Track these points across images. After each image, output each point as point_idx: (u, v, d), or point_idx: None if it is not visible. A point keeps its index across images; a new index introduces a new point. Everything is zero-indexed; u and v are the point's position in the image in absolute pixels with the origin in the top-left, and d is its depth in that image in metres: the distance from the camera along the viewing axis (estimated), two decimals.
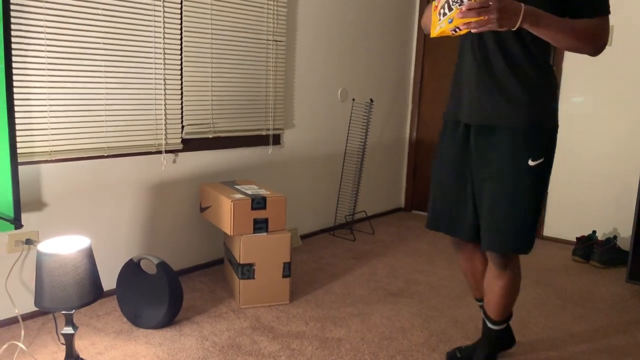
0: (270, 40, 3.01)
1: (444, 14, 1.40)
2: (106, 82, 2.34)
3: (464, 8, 1.35)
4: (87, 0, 2.23)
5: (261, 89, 3.02)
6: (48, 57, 2.14)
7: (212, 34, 2.71)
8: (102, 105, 2.34)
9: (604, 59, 3.40)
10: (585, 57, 3.45)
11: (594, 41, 1.48)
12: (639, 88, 3.29)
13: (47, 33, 2.12)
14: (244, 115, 2.95)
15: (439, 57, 4.15)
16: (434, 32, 1.46)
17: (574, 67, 3.51)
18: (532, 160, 1.58)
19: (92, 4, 2.24)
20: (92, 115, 2.31)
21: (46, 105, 2.15)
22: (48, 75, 2.15)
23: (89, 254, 1.69)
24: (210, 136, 2.79)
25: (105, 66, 2.32)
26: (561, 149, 3.59)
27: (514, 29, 1.41)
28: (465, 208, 1.73)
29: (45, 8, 2.10)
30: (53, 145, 2.20)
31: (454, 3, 1.38)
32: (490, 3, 1.35)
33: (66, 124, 2.23)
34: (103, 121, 2.35)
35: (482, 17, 1.35)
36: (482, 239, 1.68)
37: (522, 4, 1.39)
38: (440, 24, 1.42)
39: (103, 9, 2.28)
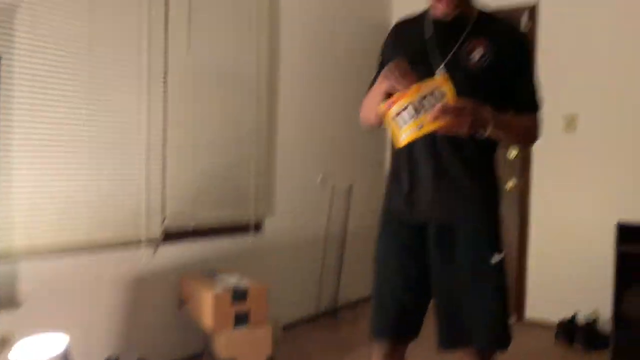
0: (252, 129, 3.10)
1: (409, 119, 1.33)
2: (87, 176, 2.36)
3: (436, 110, 1.30)
4: (71, 97, 2.30)
5: (243, 177, 3.07)
6: (32, 152, 2.17)
7: (195, 123, 2.79)
8: (83, 199, 2.35)
9: (570, 142, 3.56)
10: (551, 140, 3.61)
11: (537, 134, 1.57)
12: (602, 171, 3.43)
13: (27, 126, 2.16)
14: (226, 204, 2.98)
15: None
16: (402, 142, 1.38)
17: (542, 147, 3.66)
18: (497, 255, 1.57)
19: (75, 100, 2.31)
20: (73, 210, 2.32)
21: (27, 199, 2.16)
22: (32, 169, 2.17)
23: (65, 357, 1.64)
24: (192, 227, 2.80)
25: (87, 158, 2.36)
26: (539, 226, 3.67)
27: (487, 130, 1.40)
28: (419, 309, 1.64)
29: (28, 103, 2.16)
30: (32, 241, 2.18)
31: (421, 109, 1.33)
32: (466, 106, 1.34)
33: (47, 218, 2.22)
34: (84, 216, 2.35)
35: (457, 121, 1.32)
36: (452, 340, 1.59)
37: (489, 107, 1.40)
38: (407, 132, 1.35)
39: (87, 105, 2.35)
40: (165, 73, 2.65)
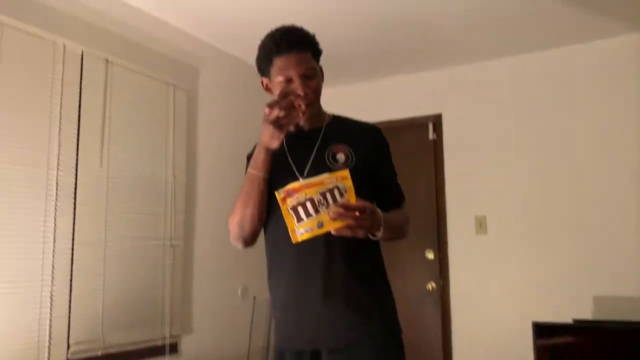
0: (167, 244, 3.00)
1: (309, 215, 1.26)
2: None
3: (338, 208, 1.24)
4: None
5: (157, 295, 2.91)
6: None
7: (106, 240, 2.66)
8: None
9: (482, 243, 3.71)
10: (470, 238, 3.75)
11: (408, 226, 1.60)
12: (514, 270, 3.58)
13: None
14: (138, 325, 2.79)
15: None
16: (299, 238, 1.28)
17: (458, 248, 3.78)
18: None
19: None
20: None
21: None
22: None
23: None
24: (100, 353, 2.58)
25: None
26: (461, 325, 3.70)
27: (378, 236, 1.36)
28: None
29: None
30: None
31: (321, 205, 1.25)
32: (367, 206, 1.29)
33: None
34: None
35: (358, 222, 1.26)
36: None
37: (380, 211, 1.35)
38: (307, 228, 1.26)
39: None
40: (76, 187, 2.55)
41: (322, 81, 1.55)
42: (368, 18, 3.14)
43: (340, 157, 1.49)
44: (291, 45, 1.46)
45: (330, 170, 1.39)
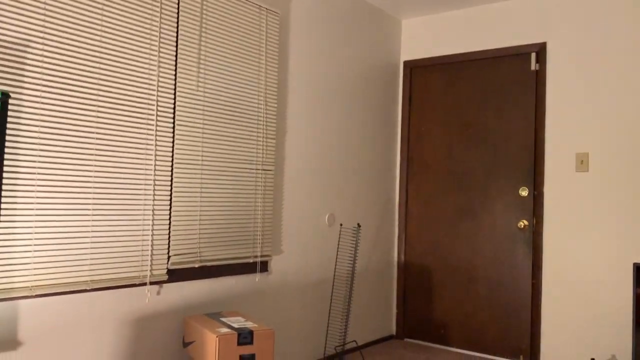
0: (259, 169, 3.08)
1: None
2: (93, 214, 2.34)
3: None
4: (78, 135, 2.29)
5: (250, 216, 3.03)
6: (37, 191, 2.15)
7: (202, 163, 2.78)
8: (89, 236, 2.32)
9: (582, 181, 3.50)
10: (563, 179, 3.55)
11: None
12: (616, 211, 3.36)
13: (38, 168, 2.15)
14: (232, 243, 2.94)
15: (422, 181, 4.26)
16: None
17: (554, 186, 3.60)
18: None
19: (83, 139, 2.31)
20: (77, 248, 2.28)
21: (31, 239, 2.13)
22: (36, 209, 2.14)
23: None
24: (197, 265, 2.75)
25: (93, 197, 2.34)
26: (552, 267, 3.58)
27: None
28: None
29: (38, 148, 2.16)
30: (34, 280, 2.14)
31: None
32: None
33: (50, 257, 2.19)
34: (88, 253, 2.32)
35: None
36: None
37: None
38: None
39: (95, 144, 2.34)
40: (174, 110, 2.65)
41: None
42: None
43: None
44: None
45: None
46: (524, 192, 3.72)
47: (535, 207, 3.67)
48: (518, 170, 3.75)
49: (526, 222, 3.70)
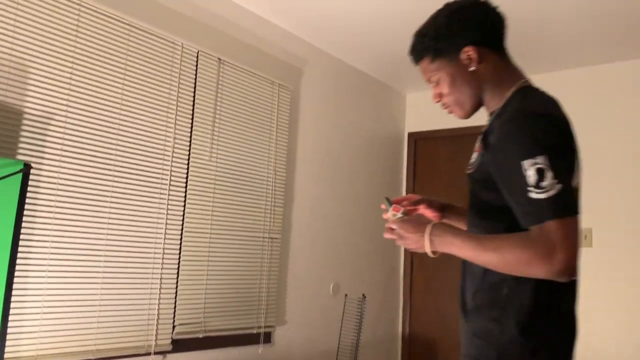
0: (266, 237, 3.11)
1: None
2: (103, 283, 2.35)
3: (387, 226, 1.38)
4: (93, 205, 2.35)
5: (255, 285, 3.04)
6: (49, 259, 2.18)
7: (211, 232, 2.81)
8: (96, 306, 2.32)
9: (587, 256, 3.51)
10: None
11: (532, 261, 1.09)
12: (622, 287, 3.35)
13: (52, 236, 2.19)
14: (236, 313, 2.93)
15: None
16: None
17: None
18: None
19: (98, 209, 2.36)
20: (85, 317, 2.28)
21: (40, 307, 2.14)
22: (47, 277, 2.16)
23: None
24: (201, 336, 2.73)
25: (104, 265, 2.36)
26: None
27: (430, 254, 1.27)
28: None
29: (53, 217, 2.20)
30: (40, 349, 2.13)
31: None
32: (394, 227, 1.32)
33: (57, 325, 2.19)
34: (95, 322, 2.31)
35: (400, 240, 1.32)
36: None
37: (429, 227, 1.26)
38: None
39: (109, 213, 2.39)
40: (187, 180, 2.72)
41: (471, 64, 1.32)
42: None
43: (473, 156, 1.35)
44: (411, 58, 1.44)
45: (467, 171, 1.37)
46: None
47: None
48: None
49: None
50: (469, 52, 1.31)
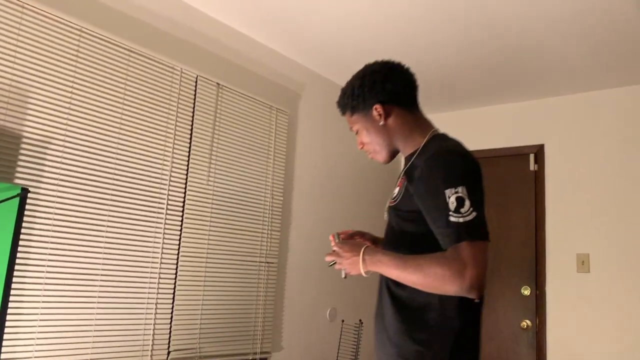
0: (262, 262, 3.10)
1: None
2: (98, 309, 2.33)
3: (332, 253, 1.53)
4: (89, 229, 2.34)
5: (251, 310, 3.01)
6: (45, 283, 2.16)
7: (207, 256, 2.80)
8: (92, 331, 2.30)
9: (584, 282, 3.50)
10: (568, 282, 3.56)
11: (446, 279, 1.25)
12: (618, 313, 3.34)
13: (47, 261, 2.18)
14: (232, 338, 2.89)
15: None
16: None
17: (557, 286, 3.59)
18: None
19: (95, 233, 2.35)
20: (80, 342, 2.25)
21: (34, 333, 2.11)
22: (42, 302, 2.14)
23: None
24: None
25: (99, 290, 2.34)
26: None
27: (363, 274, 1.44)
28: None
29: (50, 241, 2.19)
30: None
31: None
32: (340, 249, 1.49)
33: (52, 351, 2.16)
34: (90, 347, 2.28)
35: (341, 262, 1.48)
36: None
37: (363, 248, 1.44)
38: None
39: (106, 237, 2.38)
40: (184, 204, 2.71)
41: (381, 119, 1.53)
42: (472, 47, 3.12)
43: (395, 191, 1.55)
44: (339, 110, 1.65)
45: (389, 205, 1.56)
46: (526, 291, 3.71)
47: (538, 307, 3.65)
48: (520, 268, 3.76)
49: (529, 323, 3.66)
50: (377, 110, 1.53)
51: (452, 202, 1.29)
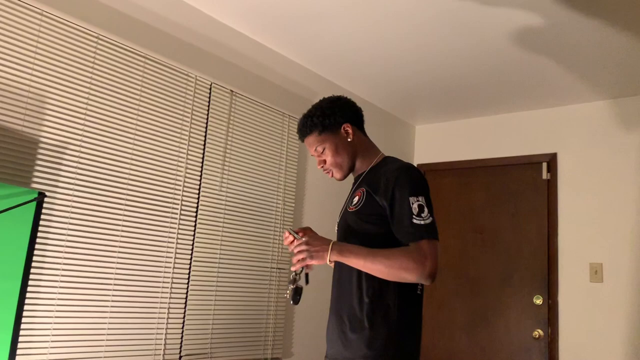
0: (274, 268, 3.11)
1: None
2: (111, 312, 2.36)
3: (291, 247, 1.70)
4: (104, 234, 2.37)
5: (262, 315, 3.02)
6: (59, 287, 2.19)
7: (219, 261, 2.82)
8: (104, 335, 2.32)
9: (597, 291, 3.47)
10: (578, 288, 3.53)
11: (409, 267, 1.54)
12: (632, 323, 3.31)
13: (63, 264, 2.21)
14: (243, 343, 2.91)
15: (435, 284, 4.23)
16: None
17: (569, 295, 3.57)
18: None
19: (109, 236, 2.38)
20: (93, 346, 2.28)
21: (49, 335, 2.14)
22: (56, 304, 2.17)
23: None
24: None
25: (112, 295, 2.37)
26: None
27: (329, 262, 1.65)
28: None
29: (65, 245, 2.22)
30: None
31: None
32: (310, 240, 1.64)
33: (66, 354, 2.19)
34: (103, 351, 2.31)
35: (298, 256, 1.64)
36: None
37: (331, 241, 1.65)
38: None
39: (120, 241, 2.41)
40: (197, 209, 2.74)
41: (348, 136, 1.81)
42: (484, 53, 3.13)
43: (355, 199, 1.76)
44: (299, 136, 1.89)
45: (347, 211, 1.78)
46: (538, 301, 3.68)
47: (550, 316, 3.62)
48: (532, 277, 3.74)
49: (541, 332, 3.64)
50: (347, 128, 1.80)
51: (415, 208, 1.59)
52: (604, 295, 3.45)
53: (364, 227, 1.70)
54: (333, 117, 1.80)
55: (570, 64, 3.16)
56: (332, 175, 1.84)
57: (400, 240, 1.61)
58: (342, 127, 1.80)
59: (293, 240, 1.72)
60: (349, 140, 1.80)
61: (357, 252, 1.62)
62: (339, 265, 1.76)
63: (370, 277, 1.65)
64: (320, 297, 3.49)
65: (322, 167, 1.84)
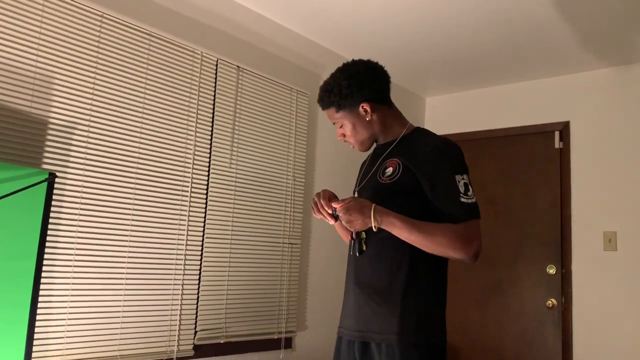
0: (286, 243, 3.13)
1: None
2: (126, 290, 2.39)
3: (314, 208, 1.72)
4: (116, 213, 2.38)
5: (275, 291, 3.05)
6: (74, 266, 2.22)
7: (231, 238, 2.83)
8: (120, 312, 2.36)
9: (611, 260, 3.45)
10: (594, 265, 3.51)
11: (452, 245, 1.52)
12: None
13: (75, 243, 2.23)
14: (257, 318, 2.94)
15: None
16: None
17: (583, 264, 3.55)
18: None
19: (121, 216, 2.39)
20: (109, 323, 2.32)
21: (65, 314, 2.18)
22: (72, 284, 2.20)
23: None
24: (222, 341, 2.75)
25: (126, 273, 2.39)
26: (582, 347, 3.47)
27: (374, 228, 1.56)
28: None
29: (78, 225, 2.24)
30: (65, 355, 2.17)
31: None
32: (351, 207, 1.57)
33: (82, 332, 2.23)
34: (118, 328, 2.35)
35: (346, 217, 1.57)
36: None
37: (372, 205, 1.56)
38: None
39: (132, 220, 2.43)
40: (207, 187, 2.74)
41: (367, 115, 1.72)
42: (495, 23, 3.06)
43: (388, 170, 1.69)
44: (320, 104, 1.81)
45: (377, 182, 1.69)
46: (551, 270, 3.67)
47: (564, 286, 3.61)
48: (545, 247, 3.72)
49: (555, 302, 3.63)
50: (365, 107, 1.72)
51: (461, 186, 1.57)
52: (618, 263, 3.43)
53: (398, 199, 1.63)
54: (350, 98, 1.71)
55: (583, 30, 3.09)
56: (354, 147, 1.82)
57: (442, 218, 1.57)
58: (361, 106, 1.72)
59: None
60: (367, 119, 1.73)
61: (400, 224, 1.55)
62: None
63: (402, 250, 1.60)
64: (332, 270, 3.51)
65: (342, 139, 1.81)
